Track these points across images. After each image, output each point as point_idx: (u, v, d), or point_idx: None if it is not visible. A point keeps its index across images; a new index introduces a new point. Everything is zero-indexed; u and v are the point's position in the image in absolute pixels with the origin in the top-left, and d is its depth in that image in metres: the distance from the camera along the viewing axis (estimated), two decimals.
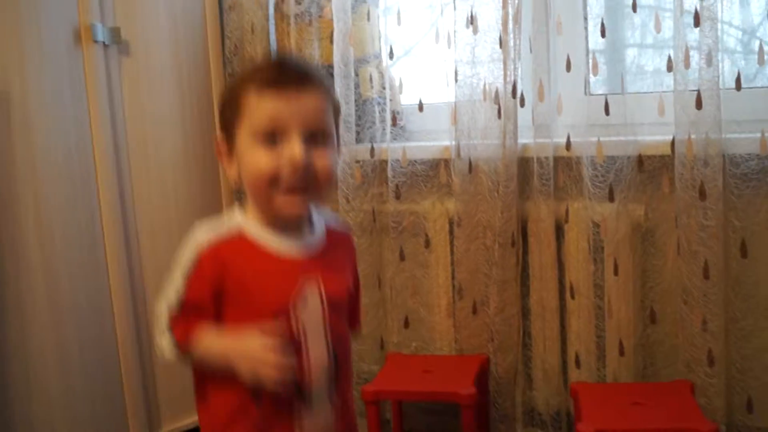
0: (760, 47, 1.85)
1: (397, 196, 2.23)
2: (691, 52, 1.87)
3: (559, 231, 2.08)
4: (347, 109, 2.21)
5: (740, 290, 1.91)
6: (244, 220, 1.22)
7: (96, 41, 2.04)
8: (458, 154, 2.12)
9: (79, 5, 2.01)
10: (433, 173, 2.22)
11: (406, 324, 2.28)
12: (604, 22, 1.97)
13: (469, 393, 1.92)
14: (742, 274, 1.90)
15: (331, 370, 1.25)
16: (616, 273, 1.99)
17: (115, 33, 2.09)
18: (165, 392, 2.25)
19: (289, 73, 1.18)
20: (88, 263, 2.06)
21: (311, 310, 1.22)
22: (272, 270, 1.20)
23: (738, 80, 1.87)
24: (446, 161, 2.18)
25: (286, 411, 1.21)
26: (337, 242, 1.30)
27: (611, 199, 1.98)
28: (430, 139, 2.26)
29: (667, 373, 2.01)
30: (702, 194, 1.87)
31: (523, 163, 2.10)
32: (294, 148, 1.13)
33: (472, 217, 2.12)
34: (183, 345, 1.18)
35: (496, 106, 2.06)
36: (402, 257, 2.26)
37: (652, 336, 2.03)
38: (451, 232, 2.18)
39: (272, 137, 1.14)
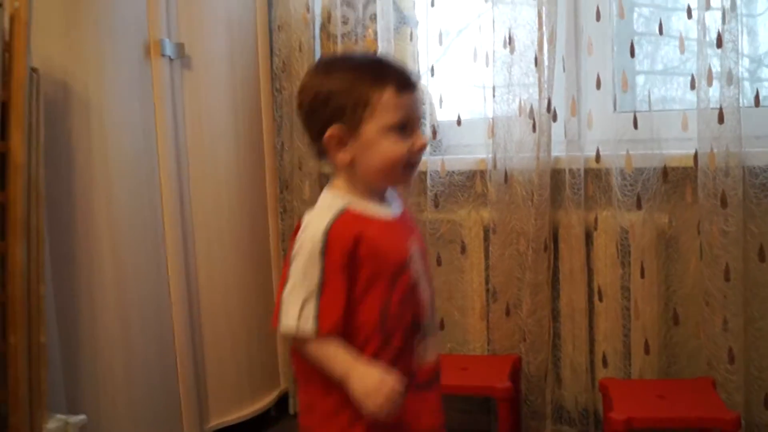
0: None
1: (436, 205, 2.37)
2: (714, 72, 2.02)
3: (589, 238, 2.21)
4: None
5: (758, 292, 2.03)
6: (343, 199, 1.37)
7: (163, 55, 2.18)
8: (494, 166, 2.25)
9: (149, 22, 2.16)
10: (469, 183, 2.36)
11: (442, 326, 2.39)
12: (634, 43, 2.12)
13: (505, 387, 2.05)
14: (760, 277, 2.03)
15: (434, 305, 1.48)
16: (642, 276, 2.11)
17: (180, 48, 2.24)
18: (215, 388, 2.37)
19: (410, 77, 1.39)
20: (151, 257, 2.19)
21: (417, 261, 1.41)
22: (386, 233, 1.38)
23: (757, 98, 2.02)
24: (482, 172, 2.32)
25: (409, 347, 1.39)
26: (402, 206, 1.50)
27: (639, 207, 2.11)
28: (467, 153, 2.40)
29: (690, 372, 2.13)
30: (723, 202, 2.00)
31: (556, 174, 2.23)
32: (423, 137, 1.39)
33: (507, 225, 2.25)
34: (322, 334, 1.30)
35: (531, 121, 2.20)
36: (439, 263, 2.39)
37: (676, 336, 2.15)
38: (485, 239, 2.31)
39: (403, 128, 1.34)
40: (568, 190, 2.20)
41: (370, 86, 1.33)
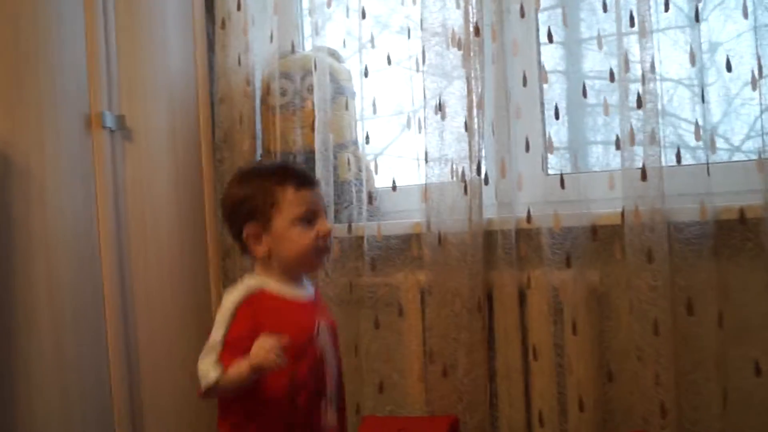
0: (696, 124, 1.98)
1: (373, 269, 2.30)
2: (635, 132, 2.00)
3: (522, 297, 2.13)
4: (327, 190, 2.29)
5: (689, 345, 1.95)
6: (260, 280, 1.58)
7: (104, 127, 2.12)
8: (428, 229, 2.20)
9: (90, 94, 2.11)
10: (405, 247, 2.29)
11: (381, 389, 2.30)
12: (558, 107, 2.10)
13: None
14: (689, 329, 1.95)
15: (338, 381, 1.66)
16: (574, 333, 2.04)
17: (120, 120, 2.18)
18: None
19: (308, 177, 1.64)
20: (92, 329, 2.07)
21: (323, 337, 1.60)
22: (294, 311, 1.58)
23: (678, 155, 2.00)
24: (418, 235, 2.25)
25: (315, 410, 1.57)
26: (317, 292, 1.72)
27: (568, 265, 2.06)
28: (403, 218, 2.34)
29: (626, 427, 2.02)
30: (650, 258, 1.95)
31: (488, 236, 2.17)
32: (327, 224, 1.60)
33: (442, 286, 2.17)
34: (225, 370, 1.45)
35: (463, 184, 2.16)
36: (377, 326, 2.30)
37: (610, 392, 2.06)
38: (422, 301, 2.23)
39: (308, 220, 1.56)
40: (500, 250, 2.13)
41: (275, 187, 1.57)
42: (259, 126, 2.45)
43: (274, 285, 1.58)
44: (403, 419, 2.23)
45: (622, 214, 2.01)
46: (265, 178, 1.61)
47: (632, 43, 1.99)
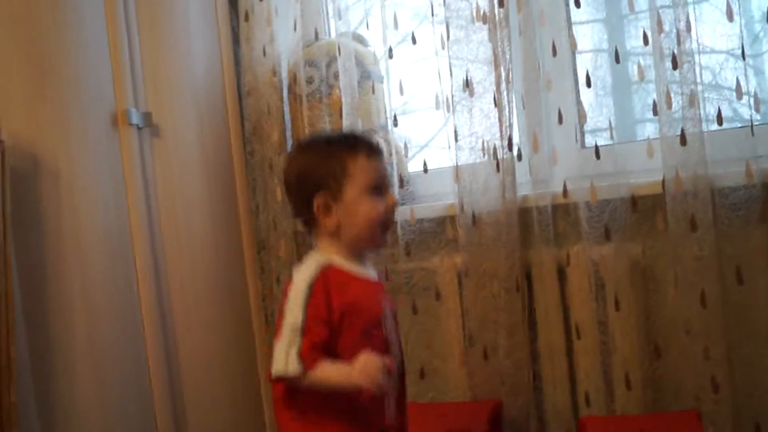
0: (738, 85, 1.86)
1: (408, 254, 2.23)
2: (673, 95, 1.90)
3: (562, 274, 2.04)
4: None
5: (740, 317, 1.84)
6: (327, 256, 1.47)
7: (131, 124, 2.11)
8: (462, 210, 2.13)
9: (115, 92, 2.10)
10: (440, 230, 2.22)
11: (422, 375, 2.23)
12: (589, 74, 2.01)
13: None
14: (739, 300, 1.84)
15: (401, 364, 1.55)
16: (617, 309, 1.94)
17: (147, 117, 2.17)
18: None
19: (377, 144, 1.54)
20: (128, 327, 2.07)
21: (388, 319, 1.52)
22: (365, 290, 1.49)
23: (719, 117, 1.89)
24: (452, 217, 2.18)
25: (379, 401, 1.45)
26: (379, 275, 1.60)
27: (608, 239, 1.96)
28: (436, 200, 2.26)
29: (677, 405, 1.92)
30: (693, 226, 1.85)
31: (524, 213, 2.08)
32: (393, 196, 1.53)
33: (479, 268, 2.10)
34: (308, 369, 1.37)
35: (495, 162, 2.08)
36: (415, 311, 2.24)
37: (659, 369, 1.95)
38: (459, 283, 2.16)
39: (378, 189, 1.48)
40: (537, 227, 2.05)
41: (346, 155, 1.47)
42: (288, 116, 2.40)
43: (341, 260, 1.48)
44: (446, 405, 2.16)
45: (663, 182, 1.91)
46: (335, 146, 1.51)
47: (665, 2, 1.88)
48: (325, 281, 1.42)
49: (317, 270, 1.43)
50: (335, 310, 1.40)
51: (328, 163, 1.47)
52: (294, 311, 1.39)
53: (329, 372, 1.37)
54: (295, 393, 1.43)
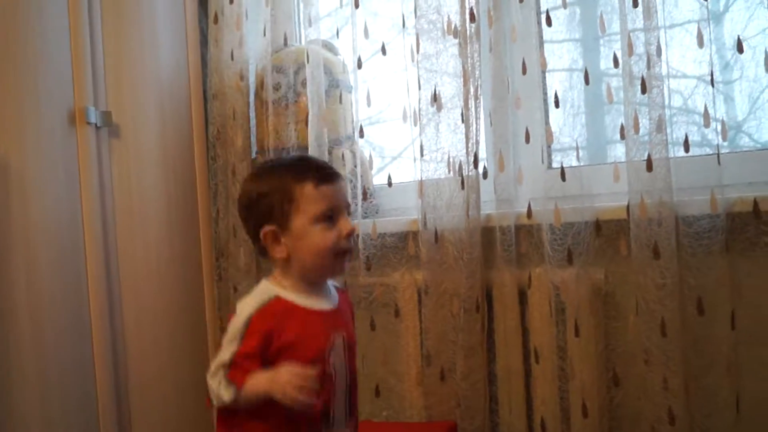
0: (705, 111, 1.82)
1: (368, 268, 2.17)
2: (641, 118, 1.85)
3: (523, 296, 1.99)
4: None
5: (699, 347, 1.80)
6: (277, 289, 1.43)
7: (89, 123, 2.03)
8: (425, 226, 2.07)
9: (75, 89, 2.02)
10: (401, 245, 2.16)
11: (377, 393, 2.17)
12: (558, 94, 1.96)
13: None
14: (699, 331, 1.79)
15: (349, 399, 1.49)
16: (577, 335, 1.89)
17: (106, 116, 2.09)
18: None
19: (329, 170, 1.47)
20: (74, 330, 1.98)
21: (338, 353, 1.45)
22: (310, 323, 1.42)
23: (686, 143, 1.85)
24: (414, 233, 2.12)
25: (315, 413, 1.39)
26: (343, 299, 1.55)
27: (571, 262, 1.91)
28: (399, 215, 2.21)
29: None
30: (656, 254, 1.81)
31: (487, 233, 2.03)
32: (349, 223, 1.44)
33: (439, 286, 2.04)
34: (240, 388, 1.34)
35: (459, 179, 2.03)
36: (373, 327, 2.18)
37: (616, 398, 1.90)
38: (419, 301, 2.10)
39: (330, 218, 1.41)
40: (499, 247, 2.00)
41: (292, 183, 1.41)
42: (253, 122, 2.34)
43: (290, 292, 1.43)
44: (400, 425, 2.10)
45: (627, 207, 1.86)
46: (282, 173, 1.45)
47: (637, 24, 1.84)
48: (266, 316, 1.38)
49: (260, 303, 1.40)
50: (272, 346, 1.36)
51: (274, 192, 1.42)
52: (228, 345, 1.37)
53: (252, 387, 1.34)
54: (226, 421, 1.42)
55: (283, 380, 1.31)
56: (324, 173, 1.44)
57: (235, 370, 1.35)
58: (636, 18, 1.84)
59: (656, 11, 1.81)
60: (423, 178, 2.07)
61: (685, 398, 1.78)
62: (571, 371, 1.90)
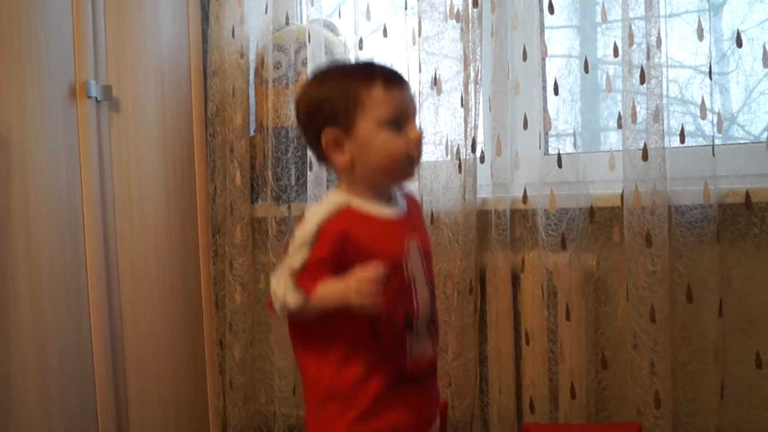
0: (702, 103, 1.84)
1: None
2: (638, 108, 1.87)
3: (516, 279, 2.02)
4: (318, 169, 2.21)
5: (687, 334, 1.83)
6: (346, 197, 1.34)
7: (89, 97, 2.03)
8: None
9: (75, 63, 2.01)
10: None
11: None
12: (558, 81, 1.98)
13: None
14: (688, 318, 1.83)
15: (431, 307, 1.40)
16: (568, 318, 1.93)
17: (107, 90, 2.09)
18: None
19: (398, 72, 1.38)
20: (72, 304, 1.99)
21: (414, 261, 1.36)
22: (383, 232, 1.34)
23: (682, 134, 1.87)
24: None
25: (400, 342, 1.33)
26: (412, 204, 1.47)
27: (564, 247, 1.94)
28: None
29: (620, 417, 1.92)
30: (648, 241, 1.83)
31: (483, 216, 2.06)
32: (417, 130, 1.35)
33: (434, 267, 2.07)
34: (308, 294, 1.26)
35: (457, 162, 2.05)
36: None
37: (604, 381, 1.94)
38: None
39: (397, 123, 1.31)
40: (494, 231, 2.02)
41: (359, 85, 1.32)
42: (252, 100, 2.34)
43: (361, 200, 1.34)
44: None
45: (622, 196, 1.89)
46: (348, 75, 1.36)
47: (637, 14, 1.85)
48: (339, 225, 1.29)
49: (332, 211, 1.31)
50: (346, 255, 1.27)
51: (340, 93, 1.32)
52: (297, 251, 1.28)
53: (326, 291, 1.25)
54: (305, 329, 1.35)
55: (355, 285, 1.22)
56: (394, 76, 1.36)
57: (305, 276, 1.27)
58: (637, 7, 1.86)
59: (657, 0, 1.82)
60: (421, 161, 2.08)
61: (671, 383, 1.82)
62: (561, 354, 1.94)
